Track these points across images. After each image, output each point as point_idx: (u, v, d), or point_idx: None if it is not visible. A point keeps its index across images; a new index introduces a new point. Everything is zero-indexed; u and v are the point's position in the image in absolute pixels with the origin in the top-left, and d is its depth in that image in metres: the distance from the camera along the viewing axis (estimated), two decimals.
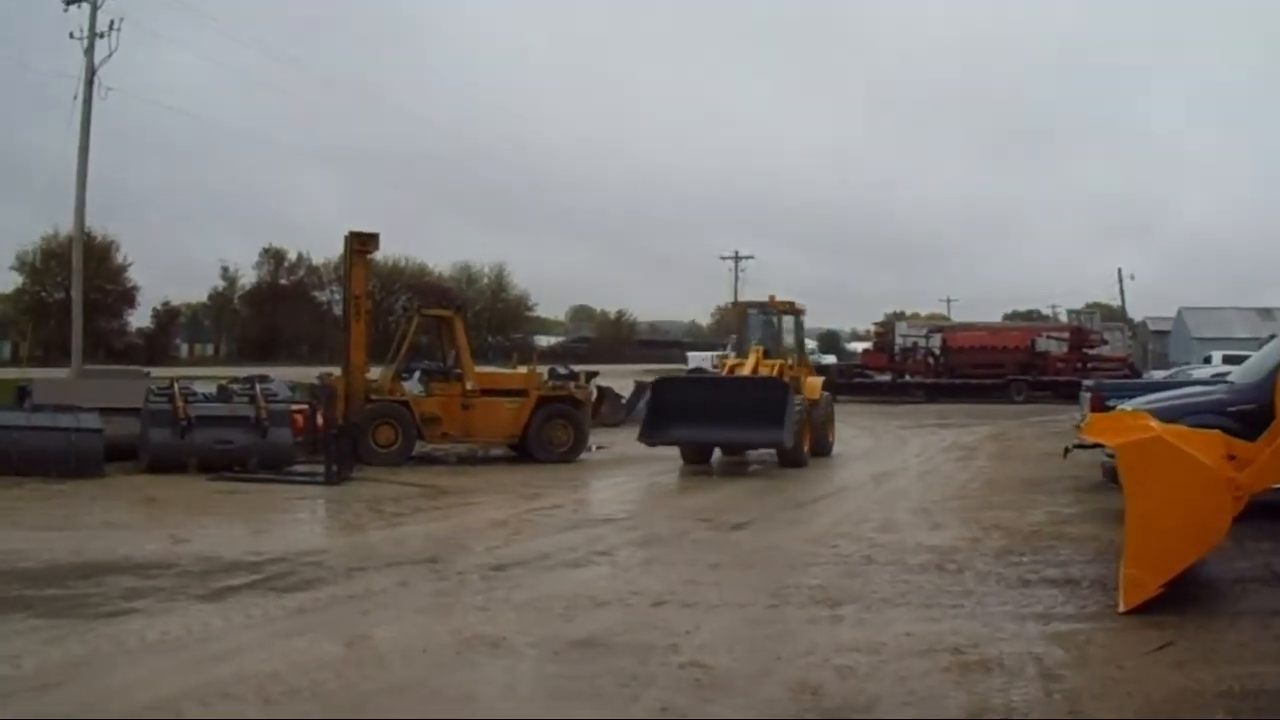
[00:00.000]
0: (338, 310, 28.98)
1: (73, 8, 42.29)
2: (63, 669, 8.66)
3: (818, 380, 29.20)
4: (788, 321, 28.88)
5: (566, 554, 13.93)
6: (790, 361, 27.75)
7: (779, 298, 28.53)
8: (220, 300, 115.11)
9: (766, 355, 27.19)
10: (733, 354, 36.71)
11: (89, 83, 41.93)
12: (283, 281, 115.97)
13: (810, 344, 50.08)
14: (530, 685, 8.47)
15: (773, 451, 25.22)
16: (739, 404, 24.50)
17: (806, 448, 25.61)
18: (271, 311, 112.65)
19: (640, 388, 40.65)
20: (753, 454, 26.61)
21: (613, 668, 8.71)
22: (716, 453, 26.77)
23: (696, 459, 25.93)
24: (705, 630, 9.90)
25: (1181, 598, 10.27)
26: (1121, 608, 10.15)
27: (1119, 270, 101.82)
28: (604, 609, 10.85)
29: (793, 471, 24.10)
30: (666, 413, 25.21)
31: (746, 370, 26.54)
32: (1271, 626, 9.71)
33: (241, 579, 12.28)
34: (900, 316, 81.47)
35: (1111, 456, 14.03)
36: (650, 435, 25.27)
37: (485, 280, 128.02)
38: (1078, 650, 9.09)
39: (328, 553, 14.11)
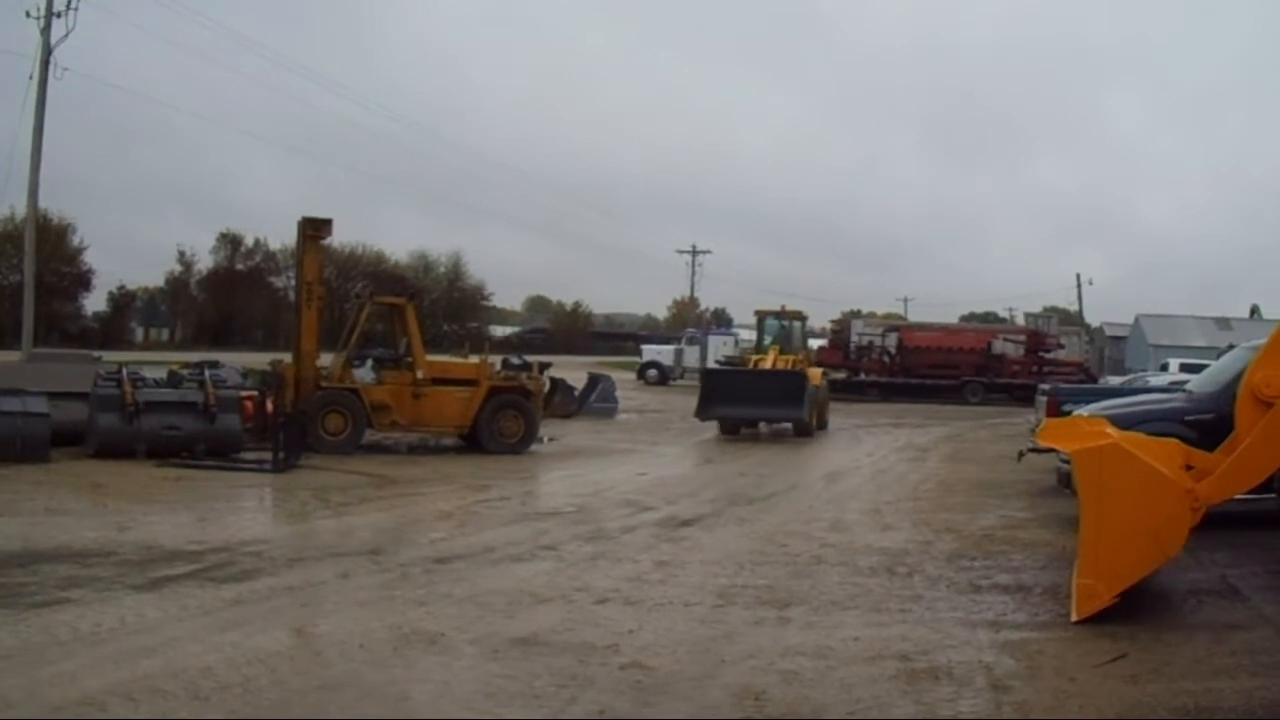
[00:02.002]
0: (293, 296, 28.98)
1: None
2: None
3: (818, 370, 37.97)
4: (795, 326, 39.51)
5: (511, 548, 13.76)
6: (800, 356, 36.83)
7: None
8: (177, 285, 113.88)
9: (781, 352, 36.00)
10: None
11: (44, 63, 41.40)
12: (239, 267, 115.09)
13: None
14: (467, 684, 8.26)
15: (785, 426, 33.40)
16: (768, 389, 33.16)
17: (814, 422, 33.79)
18: (228, 297, 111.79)
19: (594, 379, 40.94)
20: (765, 426, 34.35)
21: (552, 667, 8.56)
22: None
23: (731, 431, 33.24)
24: (648, 630, 9.77)
25: (1135, 609, 10.18)
26: (1074, 617, 10.05)
27: (1077, 275, 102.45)
28: (546, 605, 10.70)
29: (748, 467, 24.29)
30: (714, 396, 33.26)
31: (767, 364, 35.03)
32: (1227, 641, 9.60)
33: (181, 569, 12.07)
34: (856, 314, 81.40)
35: (1066, 462, 13.99)
36: (702, 412, 33.33)
37: (442, 269, 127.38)
38: (1028, 660, 8.96)
39: (270, 542, 13.91)
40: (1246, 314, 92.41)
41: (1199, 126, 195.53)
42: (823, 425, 35.58)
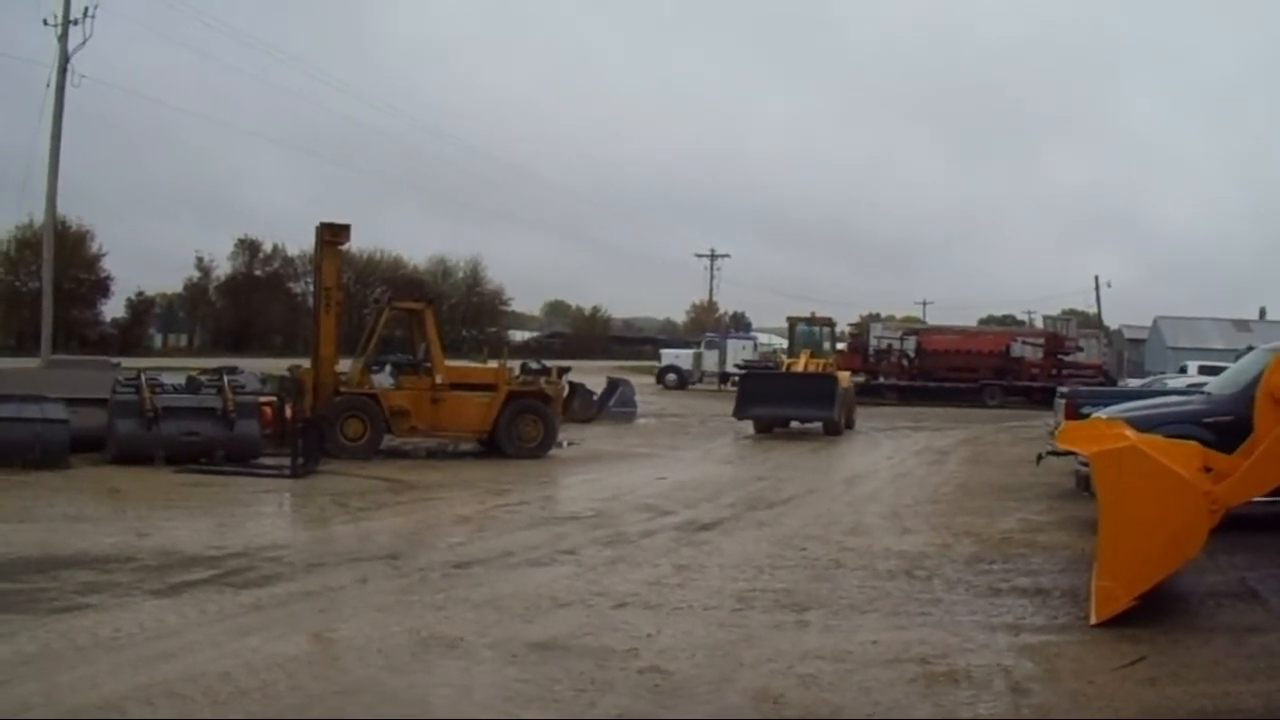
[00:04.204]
0: (312, 302, 29.09)
1: None
2: (11, 666, 8.48)
3: (846, 373, 40.81)
4: (825, 331, 42.65)
5: (530, 552, 13.76)
6: (830, 360, 39.83)
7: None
8: (195, 291, 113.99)
9: (812, 356, 38.65)
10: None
11: (62, 70, 41.53)
12: (258, 272, 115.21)
13: (779, 342, 52.89)
14: (486, 689, 8.27)
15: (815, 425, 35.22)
16: (801, 391, 35.36)
17: (843, 422, 35.61)
18: (246, 302, 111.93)
19: (612, 384, 41.04)
20: (797, 425, 35.75)
21: (571, 671, 8.56)
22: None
23: (766, 429, 35.18)
24: (667, 634, 9.77)
25: (1154, 612, 10.15)
26: (1093, 620, 10.03)
27: (1096, 277, 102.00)
28: (565, 610, 10.70)
29: (767, 471, 24.31)
30: (750, 397, 35.54)
31: (800, 368, 37.75)
32: (1245, 644, 9.56)
33: (199, 574, 12.10)
34: (875, 318, 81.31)
35: (1085, 465, 13.95)
36: (740, 412, 35.50)
37: (461, 274, 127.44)
38: (1048, 663, 8.93)
39: (289, 548, 13.93)
40: (1256, 315, 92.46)
41: (1218, 124, 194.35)
42: (850, 425, 37.21)
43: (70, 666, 8.49)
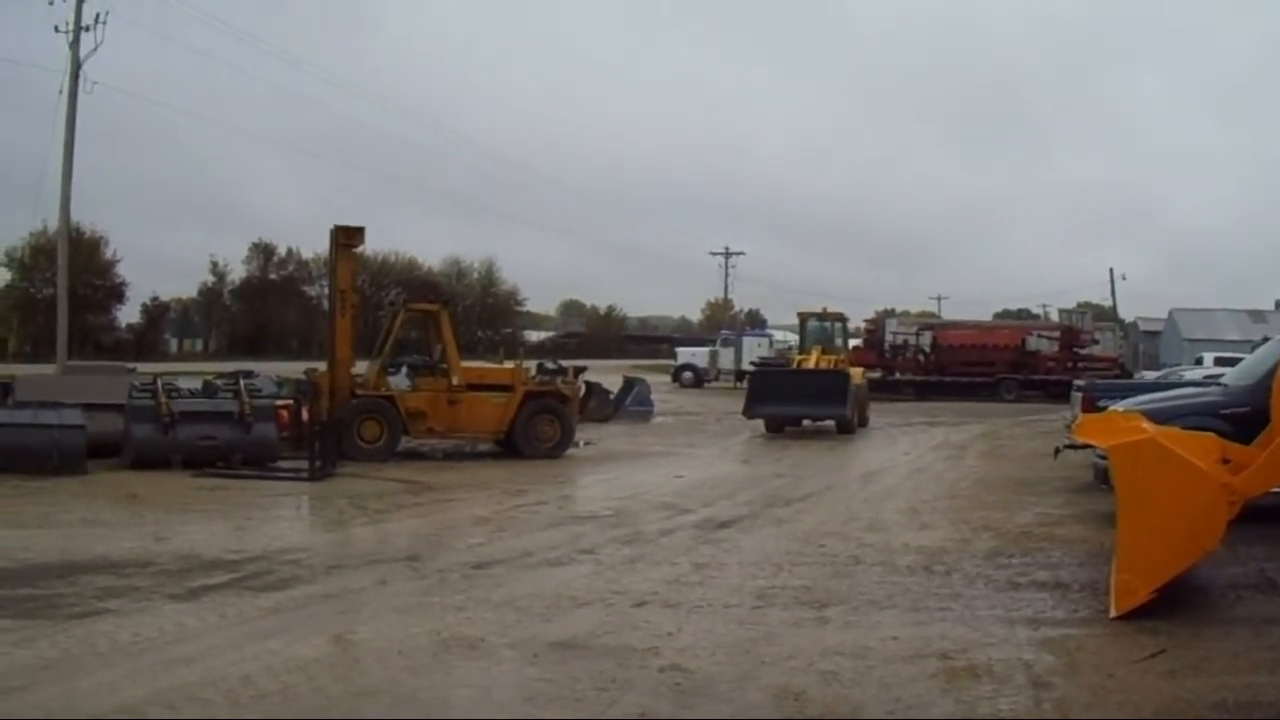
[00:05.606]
0: (327, 305, 29.15)
1: (58, 0, 42.02)
2: (30, 671, 8.47)
3: (859, 369, 39.42)
4: (837, 327, 41.21)
5: (549, 552, 13.76)
6: (842, 356, 38.29)
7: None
8: (210, 295, 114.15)
9: (824, 352, 37.40)
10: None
11: (74, 76, 41.60)
12: (272, 276, 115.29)
13: (795, 339, 52.89)
14: (507, 688, 8.26)
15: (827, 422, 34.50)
16: (813, 388, 34.30)
17: (856, 419, 34.79)
18: (261, 306, 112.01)
19: (629, 383, 41.01)
20: (809, 424, 35.10)
21: (592, 670, 8.54)
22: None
23: (777, 428, 34.30)
24: (687, 632, 9.75)
25: (1174, 604, 10.13)
26: (1112, 613, 10.00)
27: (1111, 270, 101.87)
28: (585, 609, 10.69)
29: (784, 468, 24.27)
30: (761, 395, 34.66)
31: (811, 364, 36.49)
32: (1266, 635, 9.52)
33: (218, 578, 12.10)
34: (891, 314, 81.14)
35: (1103, 458, 13.91)
36: (750, 410, 34.63)
37: (475, 275, 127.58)
38: (1068, 657, 8.92)
39: (307, 550, 13.92)
40: (1271, 306, 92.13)
41: (1231, 116, 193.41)
42: (864, 422, 36.48)
43: (90, 671, 8.51)
